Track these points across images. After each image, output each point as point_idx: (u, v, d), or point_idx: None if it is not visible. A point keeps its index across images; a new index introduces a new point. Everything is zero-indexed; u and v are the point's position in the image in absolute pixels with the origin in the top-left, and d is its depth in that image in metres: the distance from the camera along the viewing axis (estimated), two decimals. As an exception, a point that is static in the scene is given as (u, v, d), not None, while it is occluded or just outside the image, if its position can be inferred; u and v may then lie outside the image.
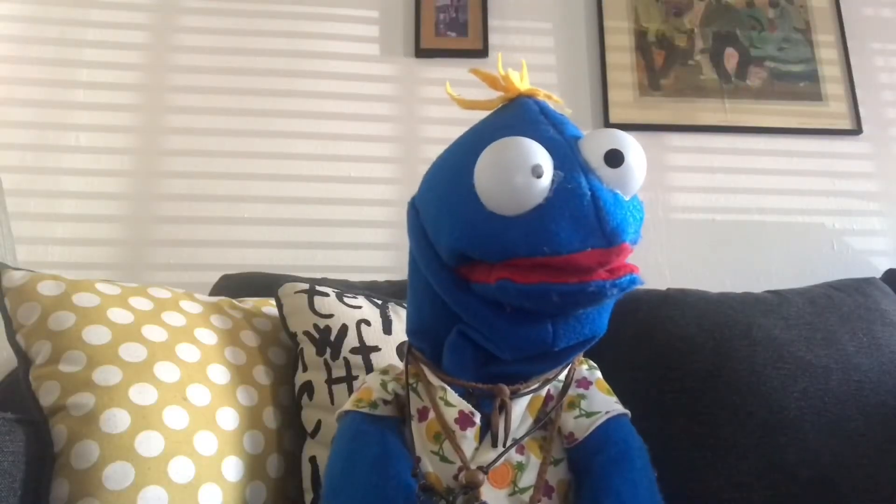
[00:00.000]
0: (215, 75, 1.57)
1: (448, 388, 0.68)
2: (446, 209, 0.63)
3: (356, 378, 0.91)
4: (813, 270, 1.55)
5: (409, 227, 0.70)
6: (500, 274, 0.58)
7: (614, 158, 0.58)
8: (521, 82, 0.69)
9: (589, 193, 0.56)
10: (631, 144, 0.60)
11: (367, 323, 0.97)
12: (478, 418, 0.66)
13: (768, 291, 1.26)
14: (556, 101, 0.69)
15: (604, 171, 0.58)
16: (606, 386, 0.74)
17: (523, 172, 0.56)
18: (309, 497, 0.85)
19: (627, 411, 0.72)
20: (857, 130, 1.64)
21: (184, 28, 1.60)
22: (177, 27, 1.60)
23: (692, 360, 1.08)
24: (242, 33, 1.60)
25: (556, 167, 0.57)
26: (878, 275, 1.37)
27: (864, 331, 1.13)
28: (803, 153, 1.64)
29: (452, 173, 0.65)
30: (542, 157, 0.56)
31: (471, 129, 0.70)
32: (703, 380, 1.07)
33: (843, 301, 1.19)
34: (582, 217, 0.55)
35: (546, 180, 0.56)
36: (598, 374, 0.76)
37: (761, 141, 1.63)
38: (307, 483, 0.86)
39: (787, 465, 0.99)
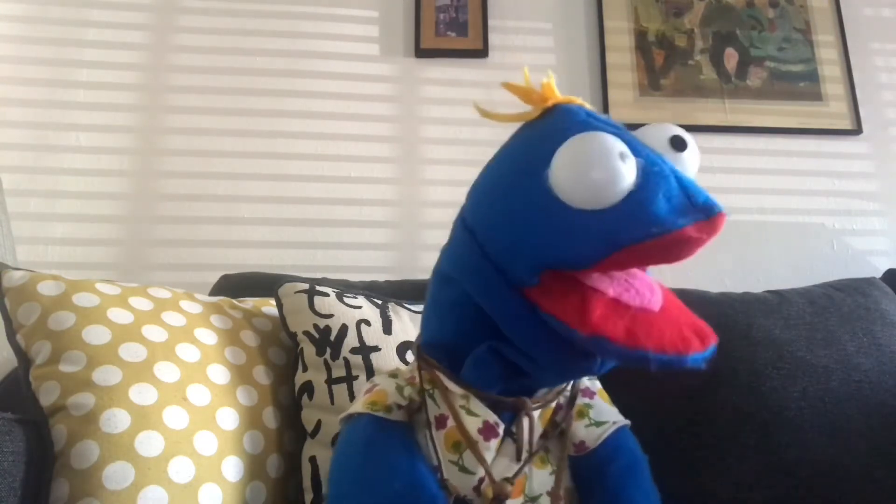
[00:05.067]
0: (215, 75, 1.57)
1: (471, 396, 0.66)
2: (522, 222, 0.60)
3: (356, 378, 0.91)
4: (813, 270, 1.55)
5: (459, 248, 0.66)
6: (591, 326, 0.54)
7: (679, 143, 0.60)
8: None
9: (672, 175, 0.56)
10: (687, 134, 0.62)
11: (367, 323, 0.97)
12: (501, 429, 0.66)
13: (768, 291, 1.26)
14: (591, 108, 0.68)
15: (671, 156, 0.59)
16: (607, 396, 0.76)
17: (612, 159, 0.55)
18: (309, 497, 0.85)
19: (628, 421, 0.73)
20: (857, 130, 1.64)
21: (184, 28, 1.60)
22: (177, 27, 1.60)
23: (692, 360, 1.08)
24: (242, 33, 1.60)
25: (634, 154, 0.57)
26: (878, 275, 1.37)
27: (864, 331, 1.13)
28: (803, 153, 1.64)
29: (518, 184, 0.61)
30: (622, 145, 0.56)
31: (514, 141, 0.68)
32: (703, 380, 1.07)
33: (843, 301, 1.19)
34: (674, 196, 0.55)
35: (633, 164, 0.55)
36: (599, 384, 0.77)
37: (761, 141, 1.64)
38: (307, 483, 0.86)
39: (787, 465, 0.99)
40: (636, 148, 0.58)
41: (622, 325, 0.54)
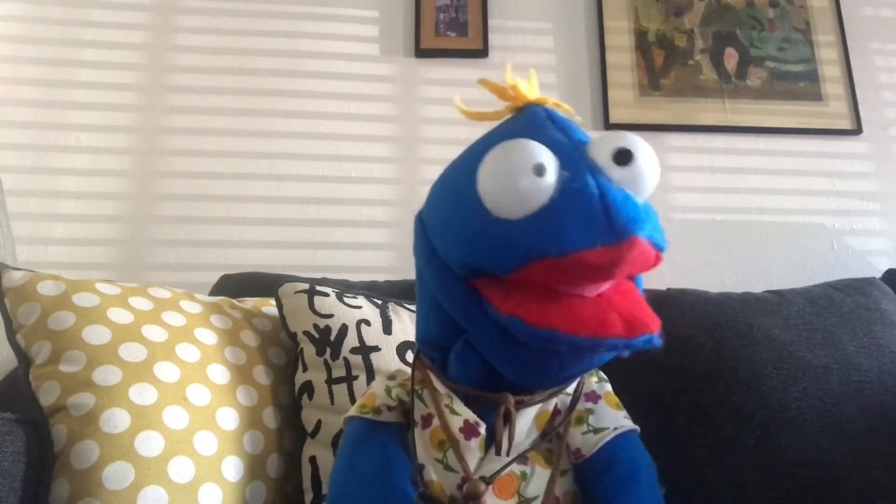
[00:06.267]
0: (215, 75, 1.57)
1: (454, 396, 0.67)
2: (453, 221, 0.61)
3: (356, 378, 0.91)
4: (813, 270, 1.55)
5: (416, 243, 0.68)
6: (511, 307, 0.55)
7: (623, 156, 0.56)
8: (530, 91, 0.67)
9: (597, 192, 0.53)
10: (640, 145, 0.58)
11: (367, 323, 0.97)
12: (483, 428, 0.66)
13: (768, 291, 1.26)
14: (566, 109, 0.67)
15: (613, 171, 0.56)
16: (616, 400, 0.73)
17: (526, 172, 0.54)
18: (309, 497, 0.85)
19: (636, 427, 0.71)
20: (857, 130, 1.64)
21: (184, 28, 1.60)
22: (177, 27, 1.60)
23: (692, 360, 1.08)
24: (242, 33, 1.60)
25: (562, 167, 0.55)
26: (878, 275, 1.37)
27: (864, 331, 1.13)
28: (803, 153, 1.64)
29: (457, 184, 0.63)
30: (545, 156, 0.55)
31: (477, 140, 0.68)
32: (703, 380, 1.07)
33: (843, 301, 1.19)
34: (589, 215, 0.52)
35: (551, 179, 0.54)
36: (608, 386, 0.74)
37: (761, 141, 1.63)
38: (307, 483, 0.86)
39: (787, 465, 0.99)
40: (569, 160, 0.56)
41: (540, 306, 0.54)
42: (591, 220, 0.52)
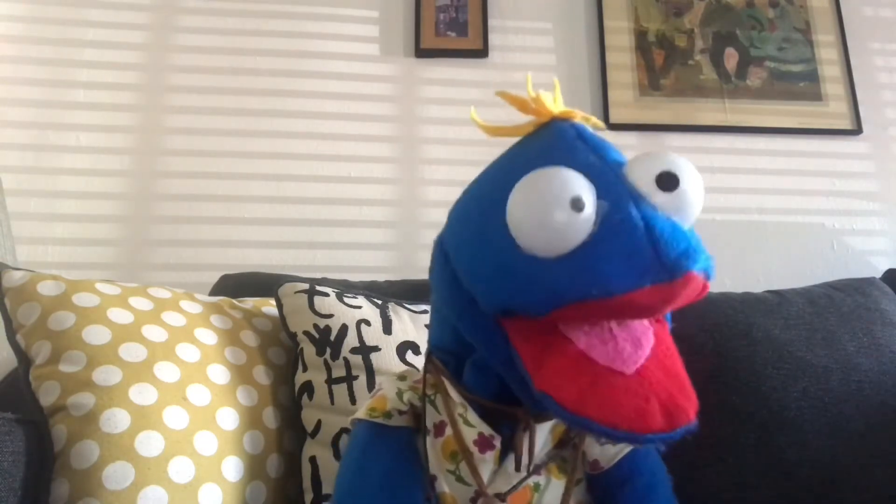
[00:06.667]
0: (215, 75, 1.57)
1: (469, 406, 0.64)
2: (479, 255, 0.56)
3: (356, 378, 0.91)
4: (813, 270, 1.55)
5: (437, 271, 0.63)
6: (544, 383, 0.50)
7: (668, 181, 0.51)
8: (555, 104, 0.61)
9: (642, 223, 0.48)
10: (685, 165, 0.53)
11: (367, 323, 0.97)
12: (498, 441, 0.63)
13: (768, 291, 1.26)
14: (594, 124, 0.62)
15: (657, 196, 0.51)
16: None
17: (562, 207, 0.48)
18: (309, 497, 0.85)
19: None
20: (857, 130, 1.64)
21: (184, 28, 1.60)
22: (177, 27, 1.60)
23: (692, 360, 1.07)
24: (242, 33, 1.60)
25: (600, 197, 0.50)
26: (878, 275, 1.37)
27: (864, 331, 1.13)
28: (803, 153, 1.64)
29: (484, 211, 0.57)
30: (582, 187, 0.49)
31: (501, 157, 0.63)
32: (703, 380, 1.06)
33: (843, 301, 1.19)
34: (636, 251, 0.47)
35: (589, 213, 0.49)
36: None
37: (761, 141, 1.63)
38: (307, 483, 0.86)
39: (787, 465, 0.99)
40: (607, 187, 0.51)
41: (576, 387, 0.49)
42: (639, 257, 0.47)
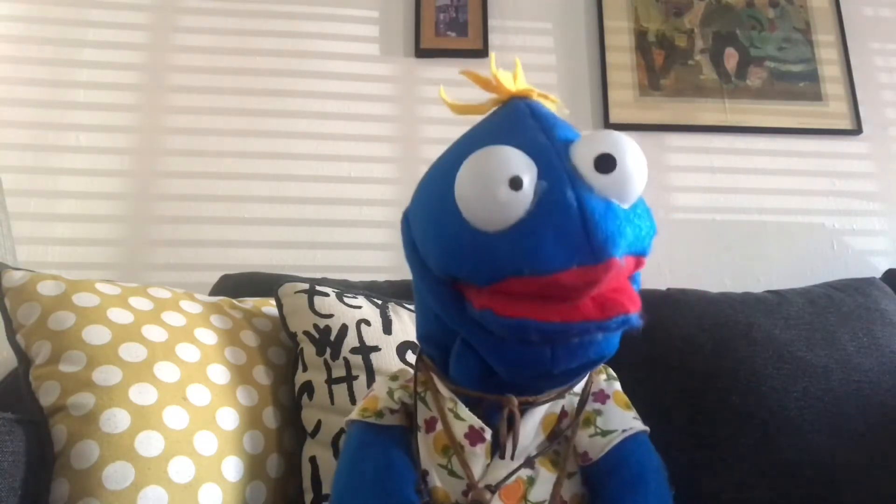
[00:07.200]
0: (215, 75, 1.57)
1: (458, 400, 0.65)
2: (433, 225, 0.59)
3: (356, 378, 0.91)
4: (813, 270, 1.55)
5: (403, 241, 0.66)
6: (484, 301, 0.54)
7: (605, 163, 0.52)
8: (514, 82, 0.63)
9: (575, 204, 0.50)
10: (626, 146, 0.54)
11: (367, 323, 0.97)
12: (488, 434, 0.64)
13: (768, 291, 1.26)
14: (552, 101, 0.64)
15: (595, 178, 0.52)
16: (625, 399, 0.71)
17: (502, 184, 0.51)
18: (309, 497, 0.85)
19: (646, 428, 0.69)
20: (857, 130, 1.64)
21: (184, 28, 1.60)
22: (177, 27, 1.60)
23: (692, 360, 1.08)
24: (242, 33, 1.60)
25: (540, 176, 0.52)
26: (878, 275, 1.37)
27: (864, 331, 1.13)
28: (803, 153, 1.64)
29: (439, 186, 0.60)
30: (522, 166, 0.52)
31: (462, 136, 0.65)
32: (703, 380, 1.07)
33: (843, 301, 1.19)
34: (567, 231, 0.50)
35: (528, 192, 0.51)
36: (617, 384, 0.72)
37: (761, 141, 1.63)
38: (307, 483, 0.86)
39: (787, 465, 1.00)
40: (549, 166, 0.53)
41: (516, 303, 0.53)
42: (569, 238, 0.50)
